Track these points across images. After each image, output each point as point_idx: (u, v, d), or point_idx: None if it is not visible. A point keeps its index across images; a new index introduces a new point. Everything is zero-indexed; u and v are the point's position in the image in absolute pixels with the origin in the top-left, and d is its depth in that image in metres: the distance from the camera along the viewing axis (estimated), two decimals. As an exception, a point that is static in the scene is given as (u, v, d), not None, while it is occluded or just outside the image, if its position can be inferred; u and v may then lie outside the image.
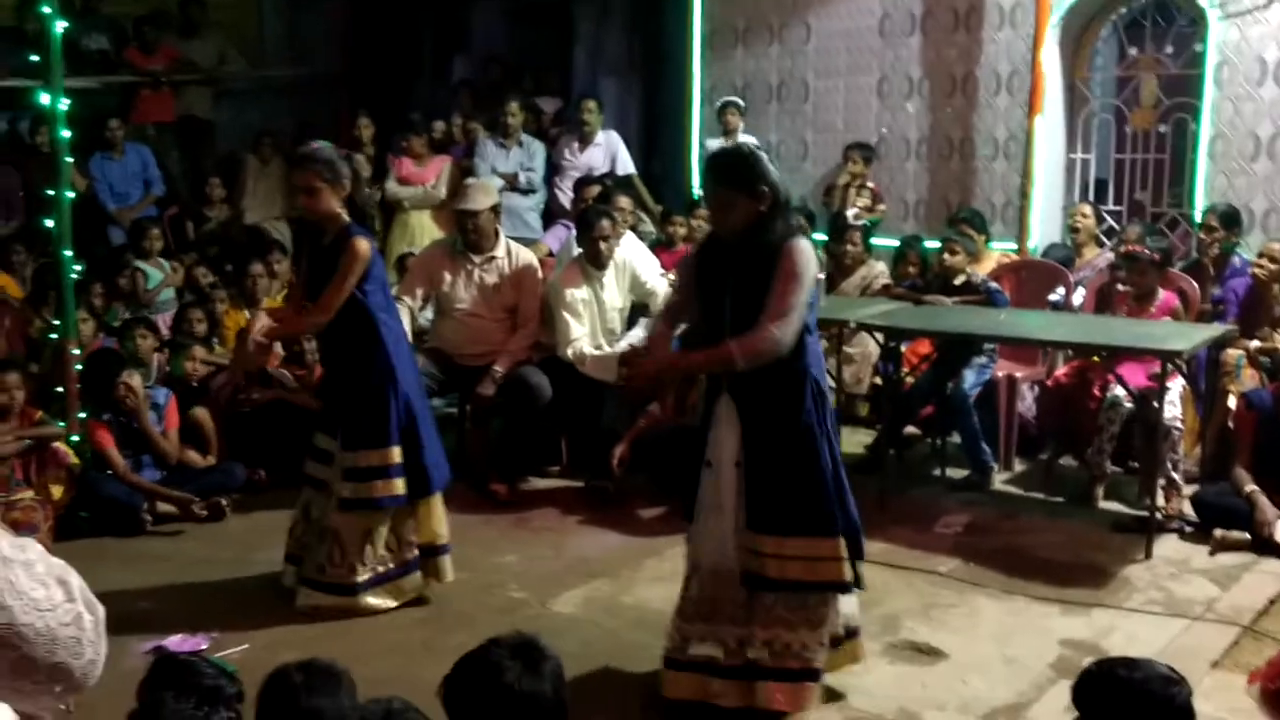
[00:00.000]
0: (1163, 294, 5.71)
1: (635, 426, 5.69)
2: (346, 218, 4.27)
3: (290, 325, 4.52)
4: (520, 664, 2.09)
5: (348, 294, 4.16)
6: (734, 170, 3.39)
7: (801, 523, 3.41)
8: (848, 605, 3.60)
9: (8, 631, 1.06)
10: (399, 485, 4.28)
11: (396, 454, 4.27)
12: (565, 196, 7.97)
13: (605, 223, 5.80)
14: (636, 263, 6.03)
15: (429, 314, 6.12)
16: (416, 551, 4.40)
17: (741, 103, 8.28)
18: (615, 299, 5.94)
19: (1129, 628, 4.21)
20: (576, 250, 5.99)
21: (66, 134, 5.35)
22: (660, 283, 6.10)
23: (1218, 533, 4.94)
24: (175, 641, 4.04)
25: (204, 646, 4.02)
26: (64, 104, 5.27)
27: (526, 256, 5.95)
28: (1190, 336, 5.11)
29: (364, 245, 4.17)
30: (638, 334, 5.88)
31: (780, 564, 3.42)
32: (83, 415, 5.42)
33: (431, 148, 8.34)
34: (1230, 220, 6.26)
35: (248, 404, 5.92)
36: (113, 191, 8.17)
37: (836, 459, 3.47)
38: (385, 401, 4.25)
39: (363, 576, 4.30)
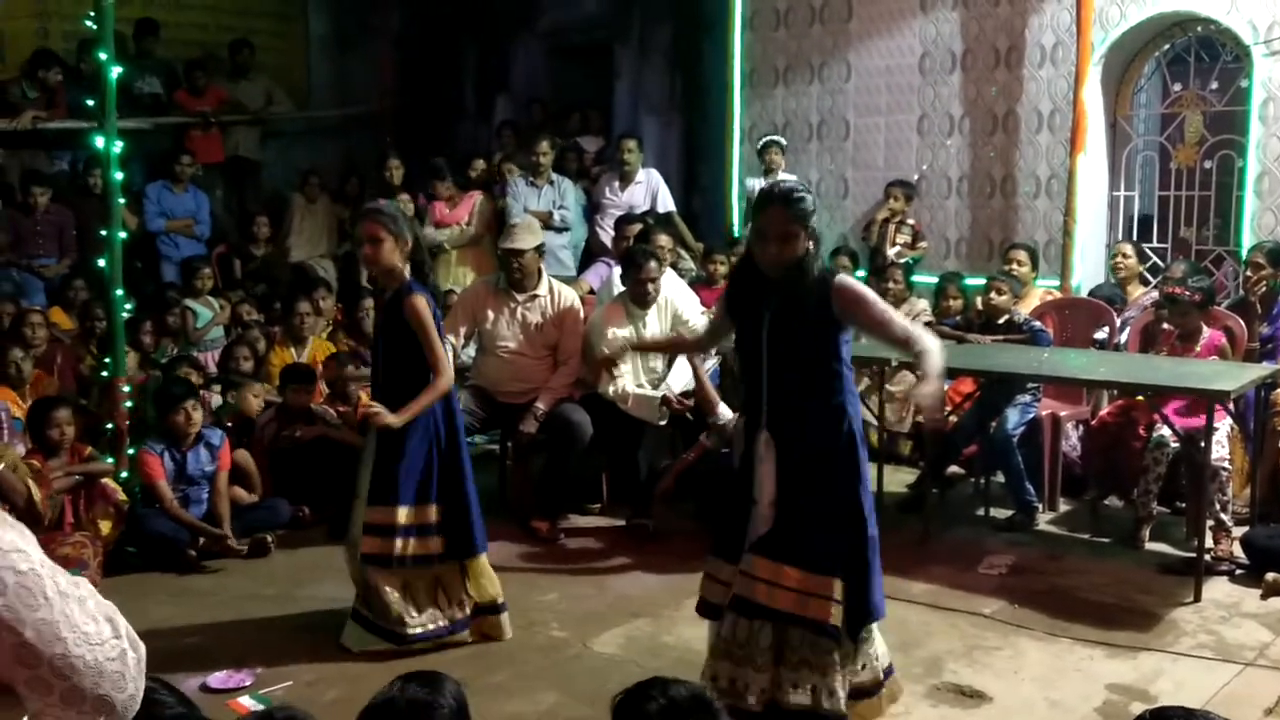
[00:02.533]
0: (1208, 333, 5.64)
1: (683, 459, 5.69)
2: (407, 274, 4.29)
3: (419, 406, 4.24)
4: None
5: (443, 348, 4.26)
6: (804, 204, 3.43)
7: (801, 555, 3.39)
8: (879, 647, 3.55)
9: (63, 662, 1.12)
10: (437, 543, 4.30)
11: (433, 512, 4.28)
12: (606, 234, 8.03)
13: (653, 264, 5.81)
14: (678, 301, 6.05)
15: (471, 351, 6.17)
16: (468, 611, 4.41)
17: (784, 141, 8.31)
18: (656, 332, 5.95)
19: (1177, 673, 4.14)
20: (618, 288, 6.02)
21: (119, 175, 5.47)
22: (701, 320, 6.11)
23: (1269, 576, 4.81)
24: (219, 678, 4.07)
25: (248, 683, 4.06)
26: (117, 146, 5.39)
27: (569, 295, 5.99)
28: (1238, 376, 5.05)
29: (421, 300, 4.22)
30: (682, 374, 5.87)
31: (770, 590, 3.40)
32: (131, 451, 5.50)
33: (467, 186, 8.42)
34: (1278, 258, 6.19)
35: (291, 441, 5.99)
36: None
37: (865, 504, 3.45)
38: (426, 458, 4.26)
39: (414, 630, 4.31)
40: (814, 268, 3.42)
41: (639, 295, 5.80)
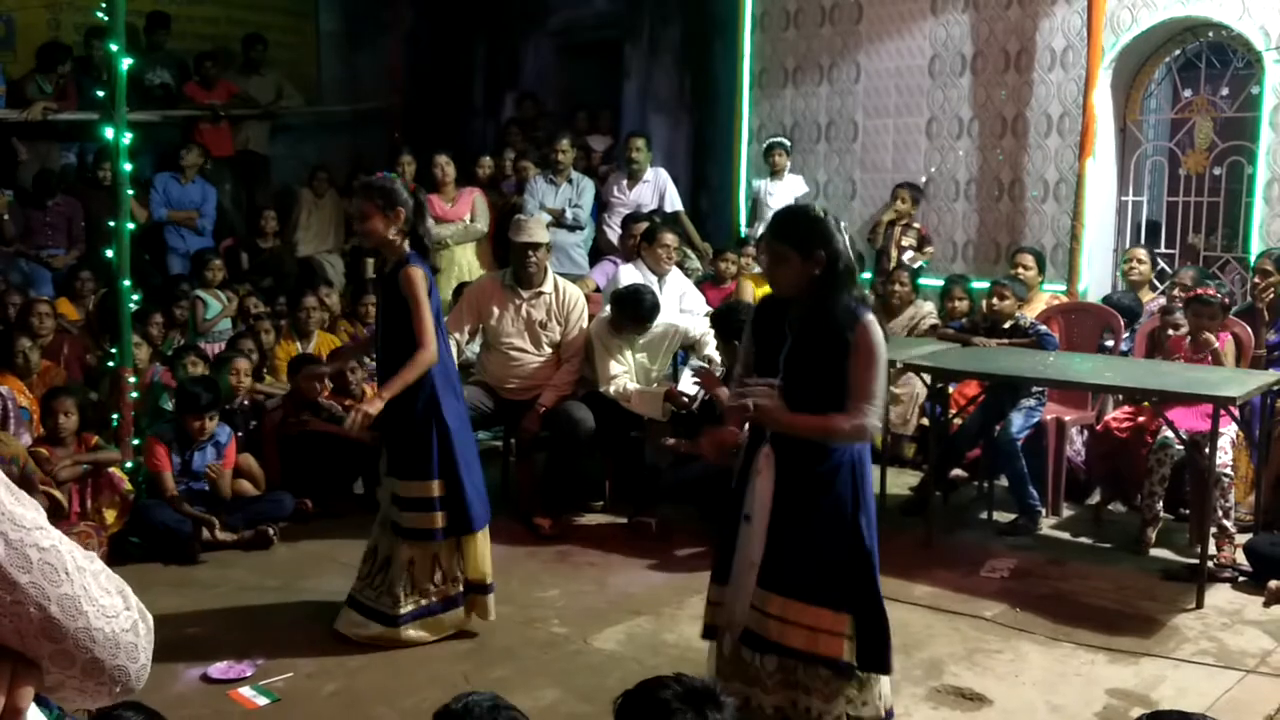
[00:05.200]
0: (1217, 336, 5.64)
1: (681, 441, 5.71)
2: (405, 247, 4.28)
3: (400, 383, 4.22)
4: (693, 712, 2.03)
5: (430, 319, 4.20)
6: (792, 226, 3.35)
7: (809, 589, 3.31)
8: (885, 688, 3.42)
9: (85, 635, 1.14)
10: (439, 519, 4.31)
11: (436, 487, 4.29)
12: (613, 233, 8.03)
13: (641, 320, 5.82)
14: (688, 324, 6.04)
15: (475, 347, 6.18)
16: (461, 588, 4.42)
17: (788, 143, 8.31)
18: (647, 362, 5.95)
19: (1179, 679, 4.14)
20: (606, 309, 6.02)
21: (128, 167, 5.49)
22: (706, 323, 6.11)
23: (1272, 584, 4.84)
24: (220, 669, 4.08)
25: (249, 674, 4.06)
26: (126, 138, 5.40)
27: (574, 292, 5.99)
28: (1243, 382, 5.03)
29: (417, 271, 4.21)
30: (686, 377, 5.87)
31: (781, 627, 3.32)
32: (136, 442, 5.51)
33: (471, 182, 8.41)
34: (1286, 265, 6.17)
35: (299, 427, 6.00)
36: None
37: (867, 535, 3.34)
38: (429, 433, 4.26)
39: (405, 609, 4.32)
40: (839, 294, 3.28)
41: (623, 330, 5.83)
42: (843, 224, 3.43)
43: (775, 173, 8.18)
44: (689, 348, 6.08)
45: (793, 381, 3.33)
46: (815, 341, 3.31)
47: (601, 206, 8.37)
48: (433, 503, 4.29)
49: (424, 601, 4.36)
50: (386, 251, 4.34)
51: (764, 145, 8.32)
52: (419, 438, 4.27)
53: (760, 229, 7.52)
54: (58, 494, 5.03)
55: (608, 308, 6.00)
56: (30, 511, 1.14)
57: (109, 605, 1.17)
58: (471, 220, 8.16)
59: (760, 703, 3.42)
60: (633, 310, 5.77)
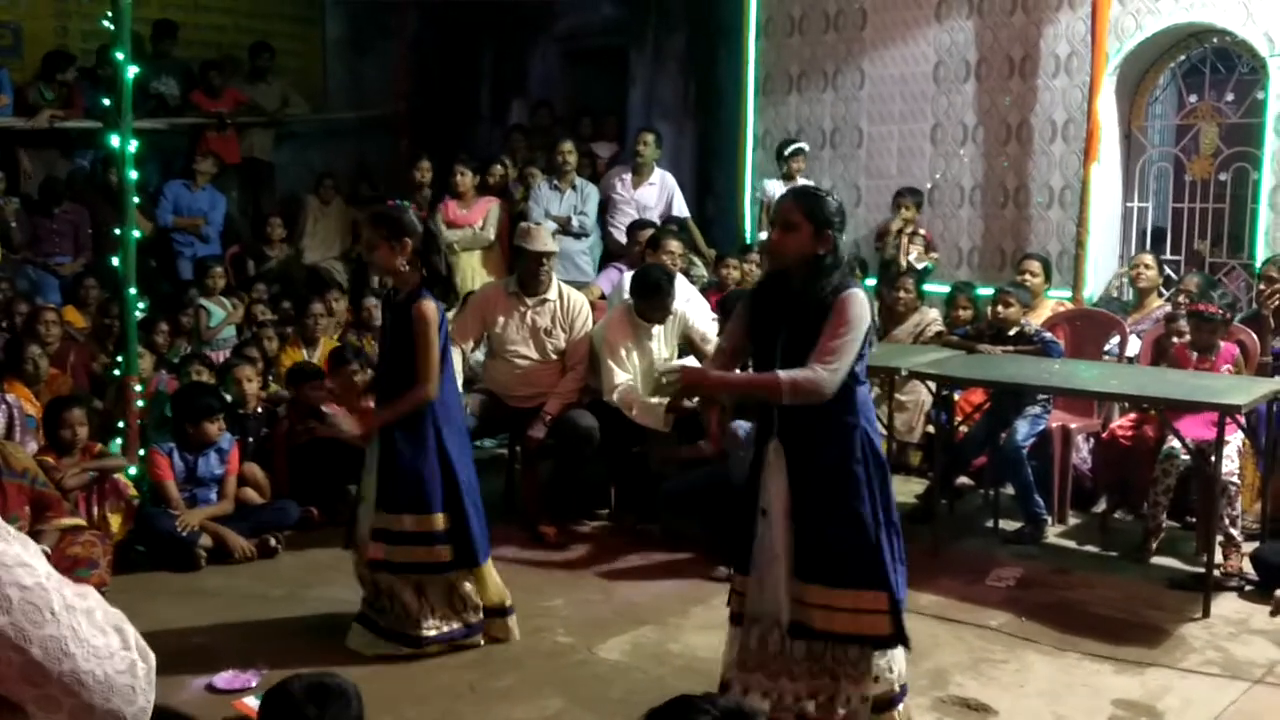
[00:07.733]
0: (1222, 345, 5.63)
1: (678, 448, 5.70)
2: (416, 277, 4.24)
3: (399, 409, 4.26)
4: None
5: (436, 358, 4.19)
6: (815, 200, 3.42)
7: (847, 574, 3.38)
8: (899, 664, 3.53)
9: (71, 678, 1.10)
10: (445, 552, 4.29)
11: (439, 520, 4.27)
12: (618, 232, 7.98)
13: (673, 292, 5.78)
14: (690, 313, 6.04)
15: (480, 355, 6.18)
16: (480, 615, 4.41)
17: (807, 147, 8.26)
18: (664, 350, 5.95)
19: (1185, 689, 4.12)
20: (626, 297, 6.01)
21: (134, 175, 5.50)
22: (711, 327, 6.11)
23: (1279, 593, 4.83)
24: (226, 678, 4.08)
25: (254, 683, 4.06)
26: (132, 146, 5.41)
27: (579, 299, 5.99)
28: (1249, 390, 5.02)
29: (429, 308, 4.18)
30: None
31: (826, 615, 3.39)
32: (142, 453, 5.52)
33: (484, 190, 8.42)
34: (1292, 271, 6.15)
35: (307, 434, 6.00)
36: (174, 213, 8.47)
37: (889, 513, 3.42)
38: (429, 466, 4.25)
39: (428, 632, 4.31)
40: (833, 275, 3.35)
41: (651, 318, 5.79)
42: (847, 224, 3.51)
43: (789, 178, 8.13)
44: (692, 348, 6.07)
45: (791, 363, 3.37)
46: (810, 319, 3.35)
47: (604, 205, 8.31)
48: (436, 536, 4.27)
49: (445, 628, 4.35)
50: (396, 281, 4.31)
51: (786, 150, 8.16)
52: (418, 469, 4.24)
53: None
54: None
55: (612, 311, 5.98)
56: (13, 547, 1.08)
57: (101, 646, 1.12)
58: (482, 228, 8.16)
59: (783, 693, 3.44)
60: (654, 290, 5.71)
